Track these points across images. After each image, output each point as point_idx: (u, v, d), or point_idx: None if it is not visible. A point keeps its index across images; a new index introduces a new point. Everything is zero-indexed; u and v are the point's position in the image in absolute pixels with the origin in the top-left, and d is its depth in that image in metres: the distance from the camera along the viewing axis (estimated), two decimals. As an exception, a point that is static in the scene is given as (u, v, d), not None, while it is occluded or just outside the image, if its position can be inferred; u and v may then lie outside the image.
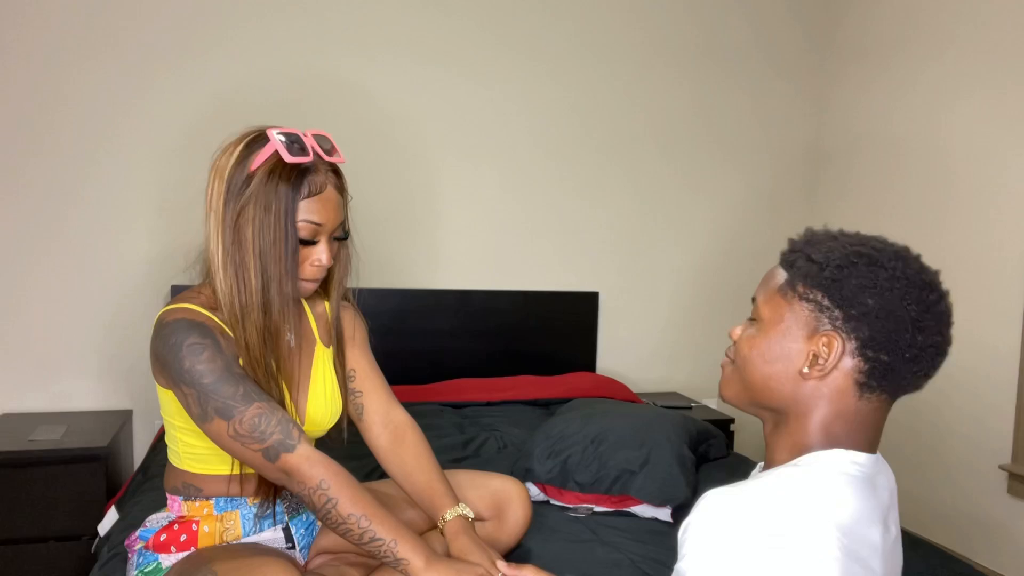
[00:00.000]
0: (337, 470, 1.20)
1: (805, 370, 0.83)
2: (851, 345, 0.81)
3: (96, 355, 2.55)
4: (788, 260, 0.88)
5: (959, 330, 2.85)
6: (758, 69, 3.22)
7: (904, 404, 2.84)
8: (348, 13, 2.71)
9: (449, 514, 1.36)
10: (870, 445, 0.86)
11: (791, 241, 0.90)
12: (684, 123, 3.15)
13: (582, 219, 3.06)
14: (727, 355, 0.93)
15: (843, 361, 0.82)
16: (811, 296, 0.83)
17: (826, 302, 0.82)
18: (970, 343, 2.61)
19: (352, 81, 2.74)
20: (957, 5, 2.68)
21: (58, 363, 2.52)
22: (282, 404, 1.29)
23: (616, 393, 2.71)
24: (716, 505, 0.77)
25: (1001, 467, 2.47)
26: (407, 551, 1.17)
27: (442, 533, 1.38)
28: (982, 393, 2.56)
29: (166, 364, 1.22)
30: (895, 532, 0.89)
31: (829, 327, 0.82)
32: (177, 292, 2.49)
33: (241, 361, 1.25)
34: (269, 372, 1.27)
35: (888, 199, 2.96)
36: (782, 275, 0.88)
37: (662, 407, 2.45)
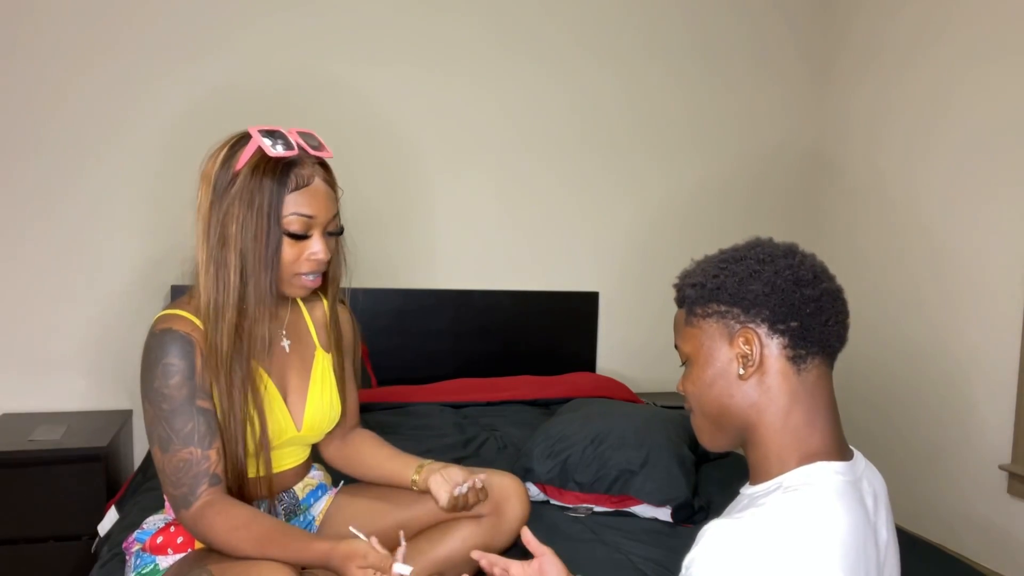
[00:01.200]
0: (219, 527, 1.19)
1: (741, 372, 0.89)
2: (762, 329, 0.89)
3: (96, 355, 2.55)
4: (679, 298, 0.97)
5: (959, 331, 2.84)
6: (753, 74, 3.21)
7: (904, 403, 2.85)
8: (342, 13, 2.71)
9: (416, 471, 1.43)
10: (836, 434, 0.90)
11: (674, 285, 0.99)
12: (684, 124, 3.14)
13: (582, 219, 3.06)
14: (687, 408, 0.99)
15: (767, 348, 0.88)
16: (710, 311, 0.92)
17: (723, 308, 0.91)
18: (970, 343, 2.61)
19: (348, 81, 2.74)
20: (955, 16, 2.68)
21: (58, 363, 2.52)
22: (247, 412, 1.27)
23: (616, 393, 2.71)
24: (719, 539, 0.80)
25: (1001, 467, 2.47)
26: (312, 560, 1.19)
27: (414, 487, 1.42)
28: (982, 393, 2.56)
29: (142, 374, 1.24)
30: (886, 535, 0.91)
31: (738, 326, 0.89)
32: (177, 292, 2.49)
33: (217, 377, 1.25)
34: (239, 375, 1.25)
35: (883, 202, 2.96)
36: (682, 312, 0.97)
37: (662, 407, 2.45)
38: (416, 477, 1.42)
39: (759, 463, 0.91)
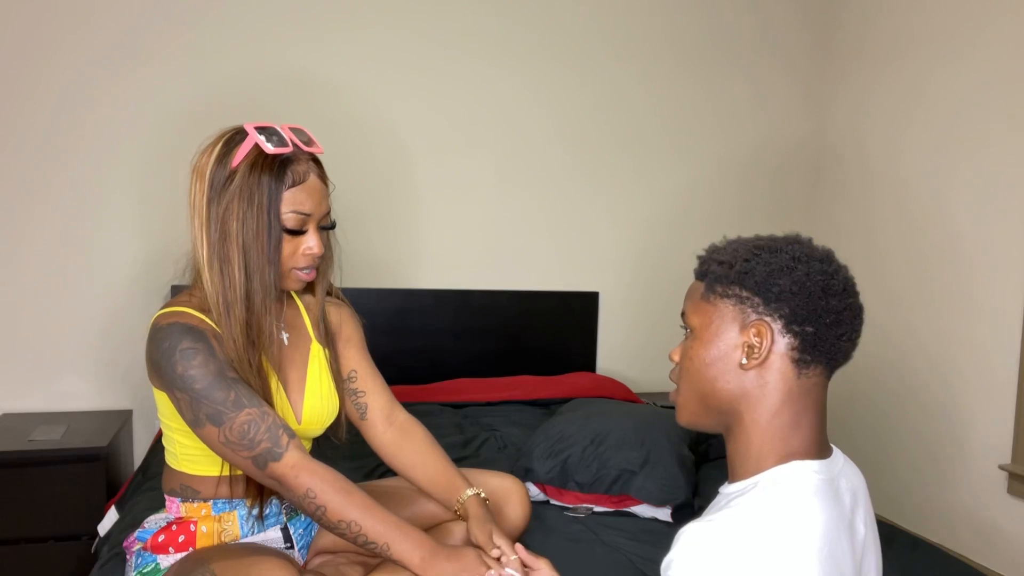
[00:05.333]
0: (324, 476, 1.20)
1: (744, 361, 0.89)
2: (777, 325, 0.88)
3: (96, 355, 2.55)
4: (702, 270, 0.95)
5: (959, 330, 2.84)
6: (763, 69, 3.22)
7: (904, 403, 2.85)
8: (335, 4, 2.70)
9: (465, 495, 1.39)
10: (819, 434, 0.90)
11: (699, 256, 0.97)
12: (687, 122, 3.14)
13: (583, 218, 3.06)
14: (671, 379, 0.98)
15: (776, 344, 0.88)
16: (730, 292, 0.90)
17: (745, 293, 0.89)
18: (970, 343, 2.61)
19: (348, 77, 2.74)
20: (959, 9, 2.68)
21: (58, 363, 2.52)
22: (269, 400, 1.28)
23: (616, 393, 2.71)
24: (696, 541, 0.81)
25: (1001, 467, 2.47)
26: (401, 552, 1.18)
27: (458, 515, 1.40)
28: (982, 393, 2.56)
29: (160, 369, 1.22)
30: (864, 532, 0.92)
31: (754, 316, 0.88)
32: (177, 292, 2.49)
33: (236, 365, 1.25)
34: (253, 367, 1.27)
35: (887, 199, 2.96)
36: (700, 285, 0.95)
37: (662, 407, 2.45)
38: (460, 507, 1.40)
39: (738, 457, 0.91)
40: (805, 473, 0.86)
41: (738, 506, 0.84)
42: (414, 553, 1.18)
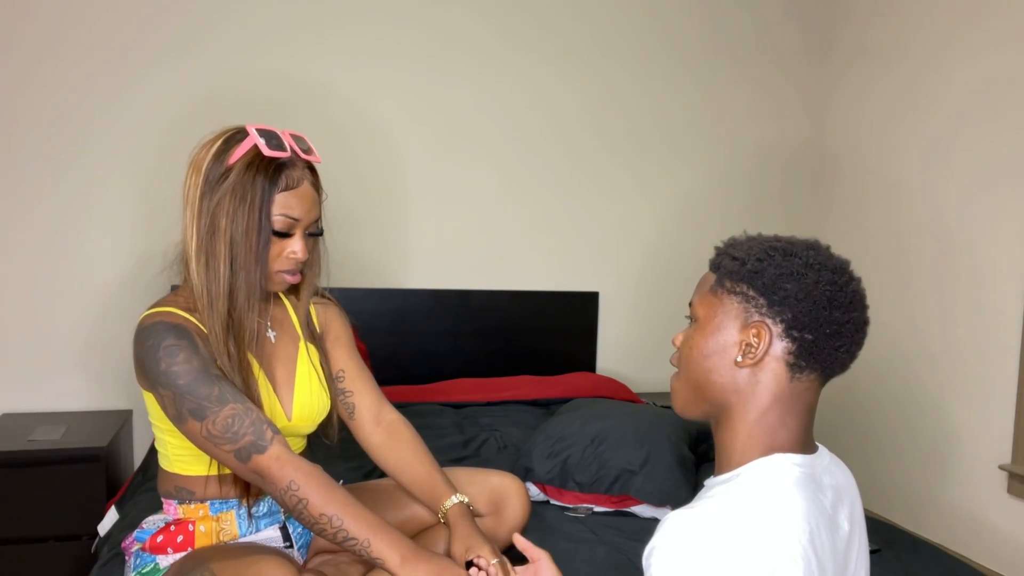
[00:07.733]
0: (309, 471, 1.20)
1: (739, 359, 0.90)
2: (778, 329, 0.89)
3: (95, 355, 2.55)
4: (715, 263, 0.97)
5: (959, 330, 2.84)
6: (760, 71, 3.22)
7: (904, 403, 2.85)
8: (330, 7, 2.70)
9: (449, 503, 1.38)
10: (805, 432, 0.92)
11: (716, 247, 0.98)
12: (686, 122, 3.14)
13: (582, 218, 3.06)
14: (672, 363, 1.00)
15: (773, 347, 0.89)
16: (738, 289, 0.91)
17: (751, 292, 0.90)
18: (970, 343, 2.61)
19: (343, 81, 2.74)
20: (956, 14, 2.68)
21: (58, 363, 2.52)
22: (253, 395, 1.28)
23: (616, 393, 2.71)
24: (678, 528, 0.82)
25: (1001, 467, 2.47)
26: (381, 549, 1.18)
27: (442, 522, 1.39)
28: (982, 393, 2.56)
29: (144, 367, 1.23)
30: (848, 528, 0.93)
31: (756, 316, 0.90)
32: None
33: (218, 360, 1.25)
34: (234, 361, 1.27)
35: (887, 200, 2.96)
36: (712, 276, 0.96)
37: (662, 407, 2.45)
38: (444, 513, 1.40)
39: (724, 450, 0.93)
40: (786, 466, 0.88)
41: (720, 495, 0.86)
42: (394, 552, 1.18)
